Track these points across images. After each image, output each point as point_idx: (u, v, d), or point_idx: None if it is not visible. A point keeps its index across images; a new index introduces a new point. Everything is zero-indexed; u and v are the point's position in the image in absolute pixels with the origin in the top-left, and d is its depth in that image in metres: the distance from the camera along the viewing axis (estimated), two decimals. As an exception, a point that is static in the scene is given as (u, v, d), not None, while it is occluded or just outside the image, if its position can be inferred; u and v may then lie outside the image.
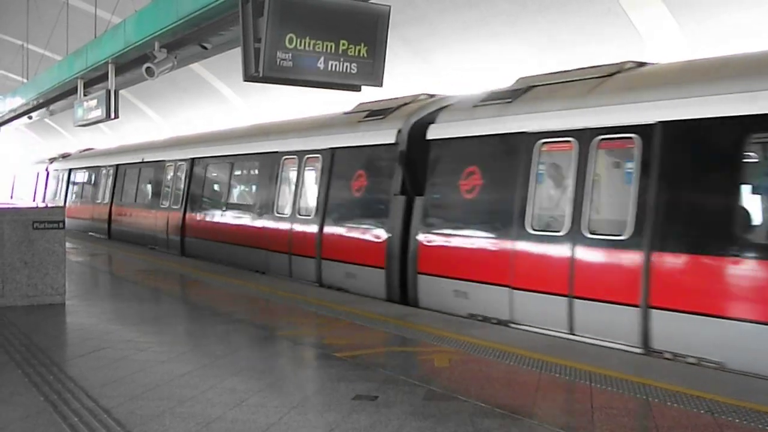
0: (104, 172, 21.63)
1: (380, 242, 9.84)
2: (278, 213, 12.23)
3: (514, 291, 7.86)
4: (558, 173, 8.08)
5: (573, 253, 7.28)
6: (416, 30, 15.25)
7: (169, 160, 17.17)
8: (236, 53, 8.39)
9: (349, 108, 11.97)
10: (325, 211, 11.02)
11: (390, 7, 7.95)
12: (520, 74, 9.11)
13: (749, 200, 6.39)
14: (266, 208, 12.60)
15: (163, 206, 17.00)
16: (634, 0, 11.87)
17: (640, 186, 6.84)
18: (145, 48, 12.04)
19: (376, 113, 10.73)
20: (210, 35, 10.83)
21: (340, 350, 6.39)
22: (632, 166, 7.03)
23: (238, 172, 14.61)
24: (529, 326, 7.61)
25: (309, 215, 11.39)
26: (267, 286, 10.45)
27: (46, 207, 17.52)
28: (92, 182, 22.74)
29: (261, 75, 7.44)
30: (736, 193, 6.26)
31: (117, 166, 20.80)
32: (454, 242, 8.80)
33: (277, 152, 12.62)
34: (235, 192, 14.74)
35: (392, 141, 9.94)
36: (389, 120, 10.28)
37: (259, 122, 15.55)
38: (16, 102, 22.63)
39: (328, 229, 10.93)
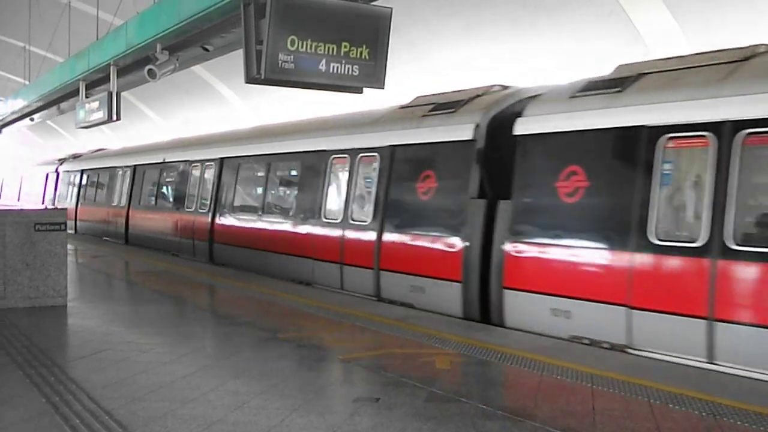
0: (121, 173, 20.53)
1: (454, 252, 8.67)
2: (326, 218, 11.01)
3: (634, 311, 6.77)
4: (689, 173, 6.87)
5: (713, 268, 6.23)
6: (418, 31, 15.28)
7: (195, 160, 15.97)
8: (238, 55, 8.41)
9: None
10: (384, 217, 9.82)
11: (391, 9, 7.97)
12: (620, 63, 8.11)
13: None
14: (312, 212, 11.39)
15: (188, 210, 15.77)
16: (634, 0, 11.87)
17: None
18: (146, 50, 12.09)
19: (444, 106, 9.54)
20: (212, 37, 10.87)
21: (342, 352, 6.39)
22: None
23: (276, 173, 13.33)
24: (653, 352, 6.59)
25: (365, 221, 10.18)
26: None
27: (48, 209, 17.57)
28: (108, 184, 21.54)
29: (263, 77, 7.46)
30: None
31: (135, 166, 19.61)
32: (553, 253, 7.62)
33: (324, 151, 11.38)
34: (274, 195, 13.46)
35: (468, 137, 8.78)
36: (462, 114, 9.12)
37: (298, 119, 14.30)
38: (18, 104, 22.69)
39: (389, 237, 9.71)
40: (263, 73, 7.42)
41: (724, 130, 6.32)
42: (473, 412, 4.73)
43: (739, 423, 4.51)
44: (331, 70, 7.71)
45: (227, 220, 14.16)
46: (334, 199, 11.06)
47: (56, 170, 26.88)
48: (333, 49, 7.67)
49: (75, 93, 17.30)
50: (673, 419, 4.60)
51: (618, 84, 7.53)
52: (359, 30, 7.85)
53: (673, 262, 6.60)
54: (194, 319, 8.46)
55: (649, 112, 6.94)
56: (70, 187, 24.96)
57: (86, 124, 15.81)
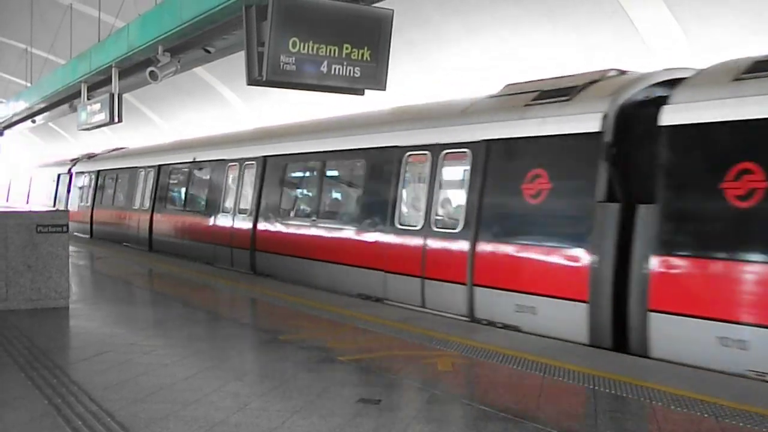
0: (143, 174, 18.82)
1: (578, 266, 7.33)
2: (402, 225, 9.61)
3: None
4: None
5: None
6: (419, 33, 15.30)
7: (233, 160, 14.38)
8: (239, 57, 8.42)
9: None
10: (479, 223, 8.46)
11: (393, 10, 7.98)
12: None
13: None
14: (382, 217, 9.95)
15: (225, 213, 14.18)
16: (634, 0, 11.88)
17: None
18: (148, 52, 12.11)
19: (553, 94, 8.21)
20: (213, 39, 10.89)
21: (344, 354, 6.39)
22: None
23: (335, 173, 12.00)
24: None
25: (453, 228, 8.79)
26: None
27: (50, 210, 17.55)
28: (128, 186, 19.85)
29: (264, 79, 7.47)
30: None
31: (159, 167, 17.93)
32: (725, 271, 6.28)
33: (397, 147, 9.93)
34: (332, 197, 12.15)
35: (595, 129, 7.44)
36: (581, 102, 7.81)
37: (357, 112, 12.44)
38: (20, 106, 22.74)
39: (486, 247, 8.33)
40: (265, 74, 7.44)
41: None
42: (475, 414, 4.73)
43: (741, 424, 4.51)
44: (332, 72, 7.72)
45: (273, 225, 12.63)
46: (412, 203, 9.78)
47: (69, 171, 25.40)
48: (334, 50, 7.69)
49: (77, 95, 17.34)
50: (675, 421, 4.60)
51: None
52: (361, 32, 7.86)
53: None
54: (196, 321, 8.47)
55: None
56: (85, 190, 23.49)
57: (88, 126, 15.84)
